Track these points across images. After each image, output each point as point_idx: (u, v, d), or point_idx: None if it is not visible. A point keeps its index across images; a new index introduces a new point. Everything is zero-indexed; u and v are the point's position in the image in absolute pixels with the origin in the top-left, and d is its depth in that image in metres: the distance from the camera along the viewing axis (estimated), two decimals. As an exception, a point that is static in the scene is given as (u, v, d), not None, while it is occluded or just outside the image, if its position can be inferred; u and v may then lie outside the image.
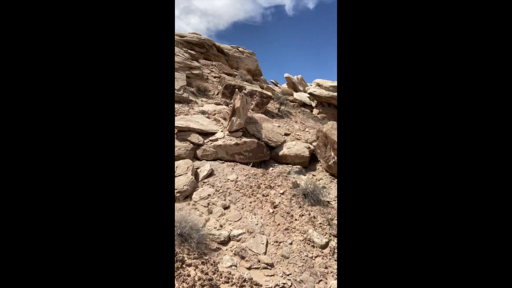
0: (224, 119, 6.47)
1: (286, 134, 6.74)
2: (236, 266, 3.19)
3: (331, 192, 5.00)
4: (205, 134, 5.75)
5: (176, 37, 11.83)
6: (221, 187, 4.60)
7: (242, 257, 3.31)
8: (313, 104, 13.87)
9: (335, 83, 13.25)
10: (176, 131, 5.50)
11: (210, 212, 4.08)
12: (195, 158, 5.42)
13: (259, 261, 3.30)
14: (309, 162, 5.96)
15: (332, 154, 5.41)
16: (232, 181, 4.80)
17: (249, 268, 3.20)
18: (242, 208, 4.21)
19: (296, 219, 4.09)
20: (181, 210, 3.82)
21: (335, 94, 12.90)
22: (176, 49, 9.76)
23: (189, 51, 11.58)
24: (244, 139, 5.69)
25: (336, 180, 5.45)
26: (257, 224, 3.92)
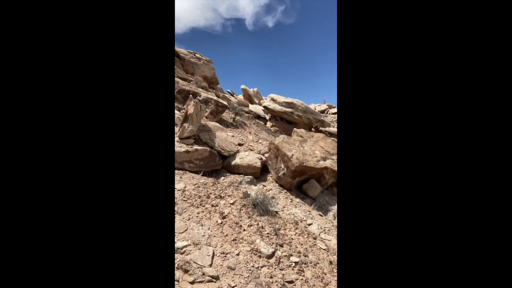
0: (175, 124, 6.19)
1: (240, 144, 6.79)
2: (178, 281, 2.98)
3: (280, 203, 5.16)
4: (154, 139, 5.39)
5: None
6: (167, 196, 4.32)
7: (186, 271, 3.11)
8: (267, 117, 14.39)
9: (288, 99, 14.05)
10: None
11: (152, 223, 3.76)
12: (140, 164, 5.00)
13: (203, 274, 3.14)
14: (260, 173, 6.08)
15: (282, 166, 5.63)
16: (179, 190, 4.55)
17: (192, 283, 3.02)
18: (189, 219, 4.01)
19: (244, 230, 4.07)
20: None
21: (288, 109, 13.65)
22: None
23: (142, 51, 10.91)
24: (195, 146, 5.51)
25: (284, 190, 5.67)
26: (203, 235, 3.76)
